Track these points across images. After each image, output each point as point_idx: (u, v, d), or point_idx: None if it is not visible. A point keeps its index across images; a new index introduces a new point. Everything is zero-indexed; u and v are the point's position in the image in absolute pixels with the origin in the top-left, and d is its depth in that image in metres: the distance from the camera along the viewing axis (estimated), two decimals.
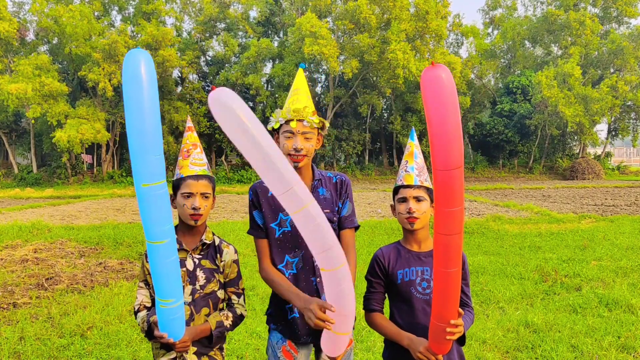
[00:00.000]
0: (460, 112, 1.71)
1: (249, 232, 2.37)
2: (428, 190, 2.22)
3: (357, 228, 2.36)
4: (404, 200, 2.20)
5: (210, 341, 2.28)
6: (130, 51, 1.76)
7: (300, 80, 2.29)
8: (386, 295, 2.32)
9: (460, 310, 1.96)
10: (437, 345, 2.00)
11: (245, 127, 1.65)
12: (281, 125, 2.23)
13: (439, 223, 1.78)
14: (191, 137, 2.32)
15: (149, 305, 2.32)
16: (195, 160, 2.28)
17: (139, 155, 1.78)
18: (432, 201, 2.24)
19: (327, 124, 2.32)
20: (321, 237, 1.79)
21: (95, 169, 35.78)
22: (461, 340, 2.13)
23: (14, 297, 5.96)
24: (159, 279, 1.98)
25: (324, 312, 1.93)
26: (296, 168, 2.22)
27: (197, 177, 2.25)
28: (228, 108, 1.64)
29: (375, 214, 14.29)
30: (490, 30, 43.73)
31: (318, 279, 2.21)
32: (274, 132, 2.29)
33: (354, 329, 2.29)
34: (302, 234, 1.81)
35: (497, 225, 11.11)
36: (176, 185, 2.29)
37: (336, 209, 2.29)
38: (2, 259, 8.02)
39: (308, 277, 2.22)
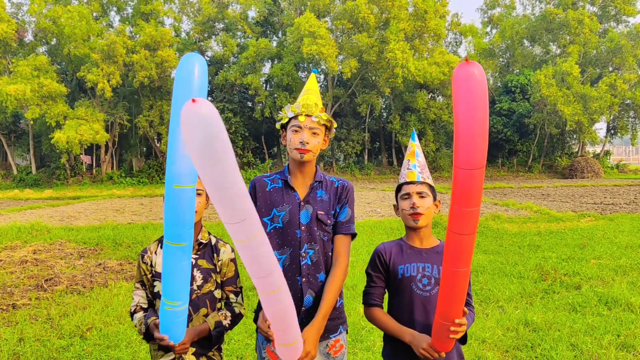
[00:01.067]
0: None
1: None
2: (430, 187, 2.23)
3: (354, 236, 2.32)
4: (408, 196, 2.20)
5: (209, 341, 2.28)
6: (185, 54, 1.79)
7: (312, 82, 2.35)
8: (386, 290, 2.32)
9: (465, 309, 1.95)
10: (440, 343, 2.00)
11: (220, 153, 1.44)
12: (289, 120, 2.25)
13: (453, 222, 1.75)
14: None
15: (145, 306, 2.32)
16: None
17: (177, 157, 1.81)
18: (434, 198, 2.24)
19: (335, 125, 2.33)
20: (260, 264, 1.70)
21: (94, 170, 35.74)
22: (462, 339, 2.13)
23: (13, 299, 5.95)
24: (169, 280, 1.98)
25: (267, 327, 1.94)
26: (300, 161, 2.23)
27: None
28: (214, 130, 1.39)
29: (375, 213, 14.29)
30: (488, 29, 43.74)
31: (304, 279, 2.20)
32: (282, 128, 2.31)
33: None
34: (243, 260, 1.72)
35: (497, 224, 11.11)
36: None
37: (332, 212, 2.28)
38: (1, 260, 8.01)
39: (294, 276, 2.20)
